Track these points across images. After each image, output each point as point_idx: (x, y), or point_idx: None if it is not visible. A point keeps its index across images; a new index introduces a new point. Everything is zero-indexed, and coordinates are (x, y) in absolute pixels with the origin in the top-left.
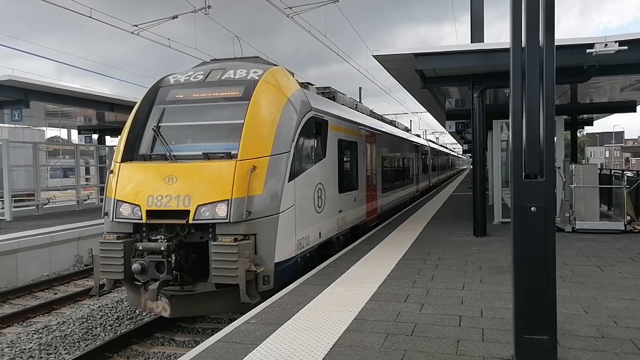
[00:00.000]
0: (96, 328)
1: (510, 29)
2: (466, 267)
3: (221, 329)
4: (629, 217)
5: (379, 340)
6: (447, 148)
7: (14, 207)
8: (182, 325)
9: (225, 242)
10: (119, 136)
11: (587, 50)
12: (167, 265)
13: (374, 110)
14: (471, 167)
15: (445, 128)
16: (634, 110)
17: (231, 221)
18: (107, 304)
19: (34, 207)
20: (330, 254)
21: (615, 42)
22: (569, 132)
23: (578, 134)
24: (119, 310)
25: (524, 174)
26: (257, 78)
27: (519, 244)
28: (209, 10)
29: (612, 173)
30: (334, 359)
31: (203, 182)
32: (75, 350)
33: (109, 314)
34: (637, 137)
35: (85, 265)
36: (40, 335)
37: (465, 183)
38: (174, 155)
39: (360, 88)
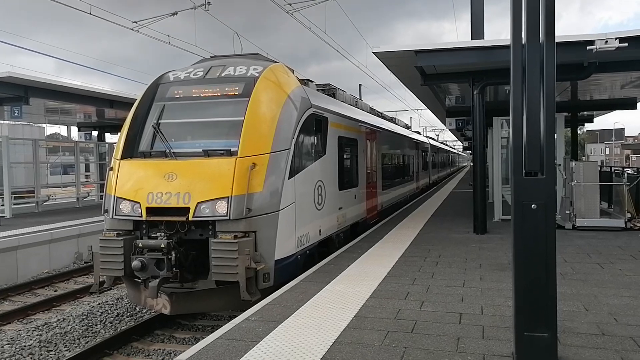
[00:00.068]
0: (96, 325)
1: (511, 26)
2: (466, 264)
3: (221, 326)
4: (629, 215)
5: (379, 338)
6: (447, 145)
7: (14, 204)
8: (182, 322)
9: (225, 239)
10: (119, 133)
11: (588, 47)
12: (167, 263)
13: (374, 107)
14: (471, 164)
15: (445, 125)
16: (634, 107)
17: (231, 218)
18: (107, 301)
19: (33, 204)
20: (331, 251)
21: (616, 39)
22: (569, 129)
23: (578, 131)
24: (119, 308)
25: (524, 171)
26: (257, 75)
27: (520, 242)
28: (209, 7)
29: (613, 170)
30: (334, 356)
31: (203, 179)
32: (76, 347)
33: (109, 311)
34: (637, 134)
35: (85, 263)
36: (40, 332)
37: (466, 180)
38: (173, 153)
39: (360, 85)
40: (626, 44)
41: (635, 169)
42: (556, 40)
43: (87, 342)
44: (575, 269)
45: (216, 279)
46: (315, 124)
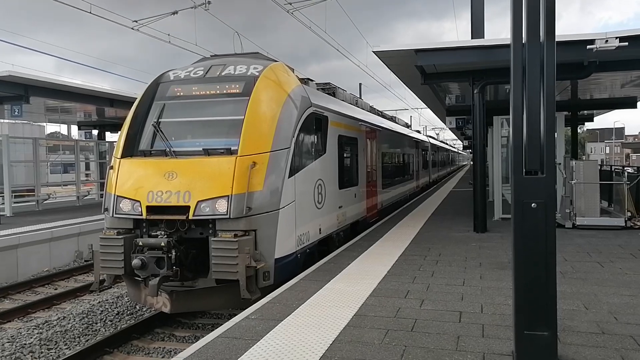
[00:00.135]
0: (96, 323)
1: (511, 25)
2: (466, 263)
3: (221, 324)
4: (629, 214)
5: (379, 336)
6: (447, 144)
7: (14, 202)
8: (182, 320)
9: (225, 237)
10: (119, 132)
11: (588, 47)
12: (167, 261)
13: (374, 106)
14: (471, 163)
15: (445, 124)
16: (635, 107)
17: (231, 217)
18: (107, 300)
19: (34, 203)
20: (331, 249)
21: (616, 38)
22: (569, 128)
23: (578, 130)
24: (119, 306)
25: (524, 170)
26: (257, 74)
27: (520, 240)
28: (209, 6)
29: (613, 169)
30: (334, 355)
31: (203, 178)
32: (76, 345)
33: (109, 310)
34: (637, 133)
35: (85, 261)
36: (40, 330)
37: (466, 179)
38: (174, 151)
39: (360, 84)
40: (626, 43)
41: (635, 167)
42: (556, 40)
43: (87, 340)
44: (575, 268)
45: (216, 278)
46: (316, 123)
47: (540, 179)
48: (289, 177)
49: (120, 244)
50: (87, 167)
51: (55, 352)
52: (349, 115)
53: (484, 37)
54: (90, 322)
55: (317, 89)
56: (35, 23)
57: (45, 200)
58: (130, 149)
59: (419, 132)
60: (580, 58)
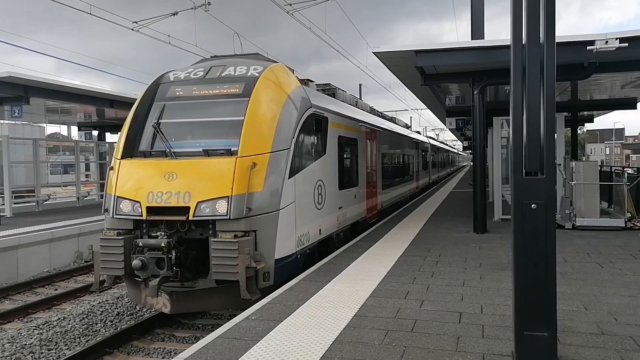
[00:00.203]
0: (96, 324)
1: (511, 26)
2: (466, 263)
3: (221, 325)
4: (629, 214)
5: (379, 337)
6: (447, 145)
7: (14, 203)
8: (183, 321)
9: (225, 238)
10: (119, 133)
11: (588, 47)
12: (167, 262)
13: (374, 107)
14: (471, 163)
15: (445, 125)
16: (635, 107)
17: (231, 218)
18: (107, 300)
19: (34, 204)
20: (330, 250)
21: (616, 39)
22: (569, 128)
23: (578, 131)
24: (119, 306)
25: (524, 171)
26: (257, 75)
27: (519, 241)
28: (209, 7)
29: (613, 170)
30: (334, 355)
31: (203, 179)
32: (76, 345)
33: (109, 310)
34: (637, 134)
35: (85, 262)
36: (40, 330)
37: (466, 180)
38: (174, 152)
39: (360, 85)
40: (626, 44)
41: (635, 168)
42: (556, 41)
43: (87, 341)
44: (575, 269)
45: (216, 278)
46: (316, 124)
47: (540, 180)
48: (289, 178)
49: (121, 244)
50: (87, 168)
51: (55, 353)
52: (349, 116)
53: (484, 38)
54: (90, 323)
55: (317, 90)
56: (35, 24)
57: (46, 201)
58: (131, 150)
59: (418, 132)
60: (580, 59)
